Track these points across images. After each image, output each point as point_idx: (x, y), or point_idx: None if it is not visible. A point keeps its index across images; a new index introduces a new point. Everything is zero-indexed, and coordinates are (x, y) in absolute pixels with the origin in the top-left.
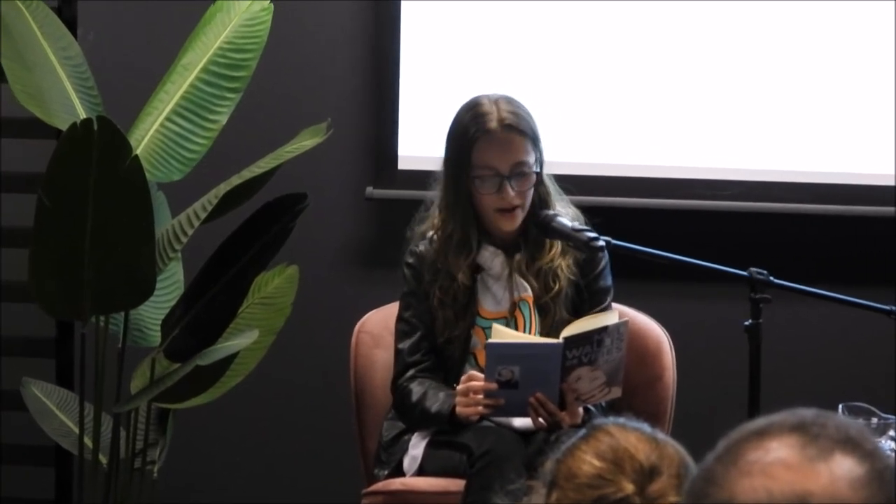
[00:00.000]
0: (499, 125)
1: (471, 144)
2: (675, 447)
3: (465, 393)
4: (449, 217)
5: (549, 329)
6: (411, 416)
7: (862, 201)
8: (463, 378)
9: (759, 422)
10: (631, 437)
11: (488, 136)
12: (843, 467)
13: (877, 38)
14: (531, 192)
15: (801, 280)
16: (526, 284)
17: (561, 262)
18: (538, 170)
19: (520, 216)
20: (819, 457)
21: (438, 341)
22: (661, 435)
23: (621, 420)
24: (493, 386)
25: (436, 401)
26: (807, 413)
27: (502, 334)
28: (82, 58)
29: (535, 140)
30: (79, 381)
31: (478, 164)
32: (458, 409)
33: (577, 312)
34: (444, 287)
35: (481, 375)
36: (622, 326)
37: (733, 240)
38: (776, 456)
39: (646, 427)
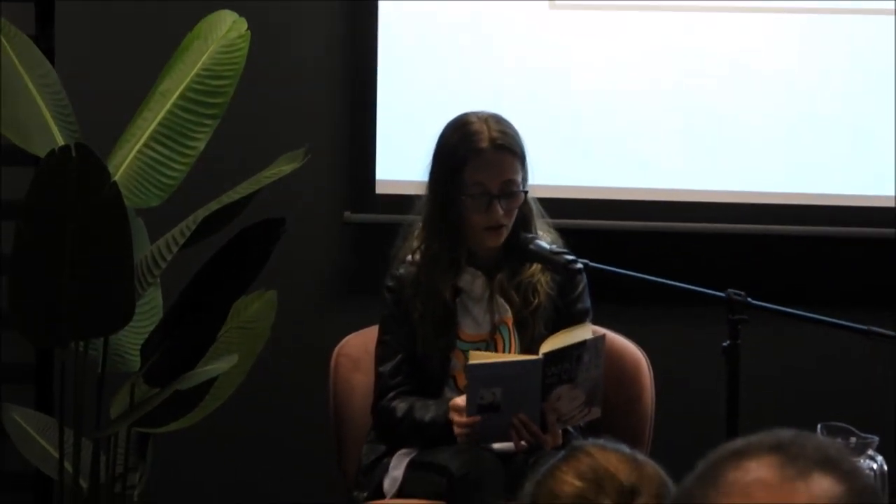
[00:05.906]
0: (490, 144)
1: (461, 163)
2: (654, 467)
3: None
4: (434, 236)
5: (527, 346)
6: (398, 432)
7: (842, 222)
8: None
9: (738, 442)
10: (611, 457)
11: (479, 155)
12: (822, 487)
13: (853, 57)
14: (517, 210)
15: (783, 301)
16: (506, 306)
17: (541, 277)
18: (525, 189)
19: (504, 233)
20: (798, 476)
21: (419, 353)
22: (640, 455)
23: (601, 441)
24: (477, 419)
25: (427, 411)
26: (785, 433)
27: (481, 358)
28: (60, 85)
29: (522, 159)
30: (59, 406)
31: (468, 182)
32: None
33: (556, 332)
34: (424, 303)
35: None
36: (600, 342)
37: (713, 261)
38: (755, 476)
39: (625, 448)
